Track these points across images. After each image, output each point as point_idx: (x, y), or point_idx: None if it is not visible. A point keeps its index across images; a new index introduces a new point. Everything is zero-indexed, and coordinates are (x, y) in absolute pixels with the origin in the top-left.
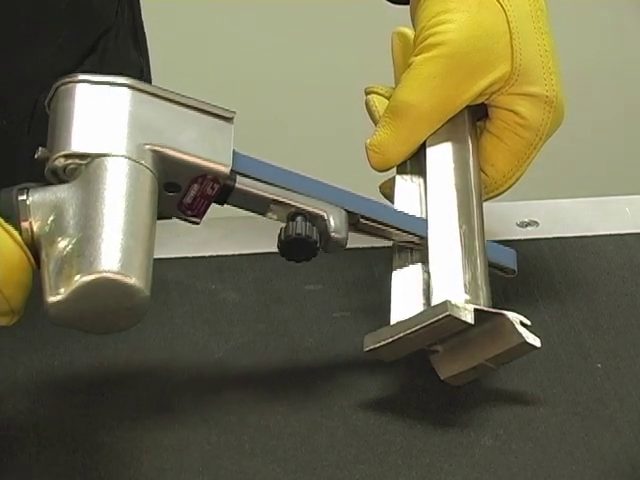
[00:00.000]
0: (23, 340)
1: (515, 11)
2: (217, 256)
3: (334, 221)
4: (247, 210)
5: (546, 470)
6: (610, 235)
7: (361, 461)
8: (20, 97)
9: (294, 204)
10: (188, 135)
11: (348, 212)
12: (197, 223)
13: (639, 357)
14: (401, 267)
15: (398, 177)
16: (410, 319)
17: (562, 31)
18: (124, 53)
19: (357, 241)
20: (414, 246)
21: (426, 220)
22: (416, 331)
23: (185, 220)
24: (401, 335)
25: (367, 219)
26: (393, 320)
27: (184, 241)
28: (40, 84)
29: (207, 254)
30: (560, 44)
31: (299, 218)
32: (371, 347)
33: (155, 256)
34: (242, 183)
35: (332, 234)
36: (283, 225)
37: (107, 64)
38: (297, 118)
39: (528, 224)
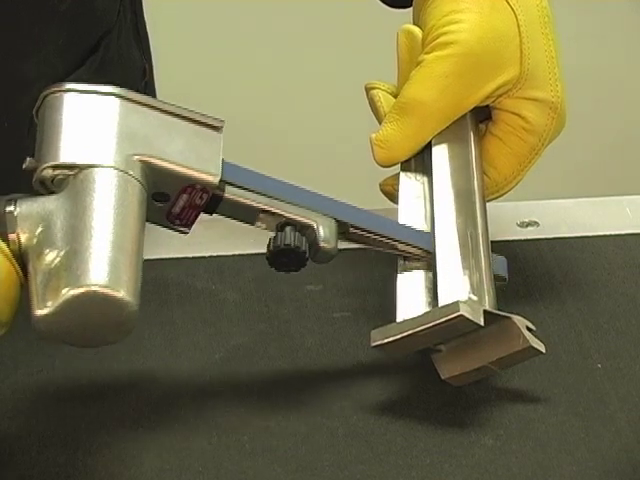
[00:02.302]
0: (23, 340)
1: (525, 15)
2: (217, 256)
3: (323, 231)
4: (236, 220)
5: (546, 470)
6: (610, 235)
7: (361, 461)
8: (21, 98)
9: (283, 214)
10: (177, 145)
11: (338, 222)
12: (186, 233)
13: (639, 357)
14: (406, 266)
15: (402, 174)
16: (420, 317)
17: (562, 31)
18: (126, 53)
19: None
20: (411, 256)
21: (419, 231)
22: (426, 329)
23: (173, 230)
24: (410, 332)
25: (357, 228)
26: (399, 318)
27: (184, 241)
28: (41, 85)
29: (207, 254)
30: (561, 44)
31: (288, 228)
32: (379, 342)
33: (155, 256)
34: (231, 193)
35: (321, 244)
36: (272, 235)
37: (109, 64)
38: (297, 118)
39: (528, 224)
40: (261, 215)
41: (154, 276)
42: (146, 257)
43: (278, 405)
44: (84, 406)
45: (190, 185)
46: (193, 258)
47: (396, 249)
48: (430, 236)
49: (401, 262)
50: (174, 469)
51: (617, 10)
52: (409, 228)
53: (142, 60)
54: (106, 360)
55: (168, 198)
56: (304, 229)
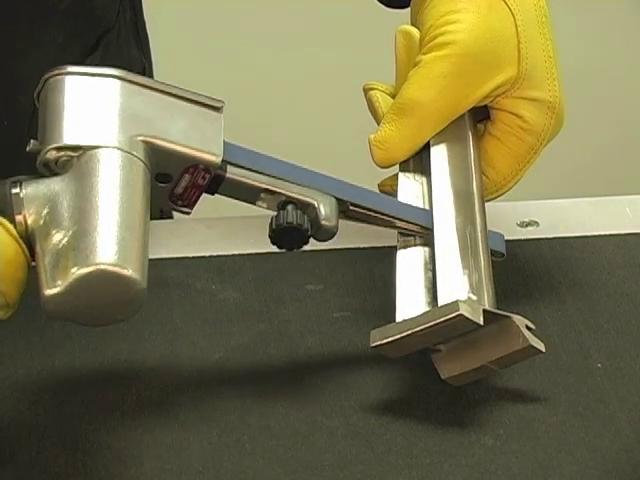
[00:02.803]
0: (23, 340)
1: (523, 15)
2: (217, 256)
3: (324, 209)
4: (237, 199)
5: (546, 470)
6: (610, 235)
7: (361, 461)
8: (21, 97)
9: (284, 193)
10: (179, 125)
11: (337, 200)
12: (188, 213)
13: (639, 357)
14: (405, 265)
15: (401, 175)
16: (419, 317)
17: (562, 31)
18: (126, 52)
19: (357, 241)
20: (410, 232)
21: (417, 207)
22: (425, 329)
23: (176, 210)
24: (409, 333)
25: (356, 206)
26: (399, 318)
27: (184, 241)
28: None
29: (207, 254)
30: (560, 43)
31: (289, 207)
32: (378, 343)
33: (155, 256)
34: (233, 173)
35: (323, 222)
36: (274, 214)
37: (108, 63)
38: (296, 118)
39: (528, 224)
40: (262, 194)
41: (154, 276)
42: None
43: (278, 405)
44: (84, 406)
45: (193, 165)
46: (193, 258)
47: (395, 226)
48: (429, 213)
49: (400, 238)
50: (174, 469)
51: (617, 10)
52: (408, 205)
53: (141, 59)
54: (106, 360)
55: (171, 179)
56: (305, 207)
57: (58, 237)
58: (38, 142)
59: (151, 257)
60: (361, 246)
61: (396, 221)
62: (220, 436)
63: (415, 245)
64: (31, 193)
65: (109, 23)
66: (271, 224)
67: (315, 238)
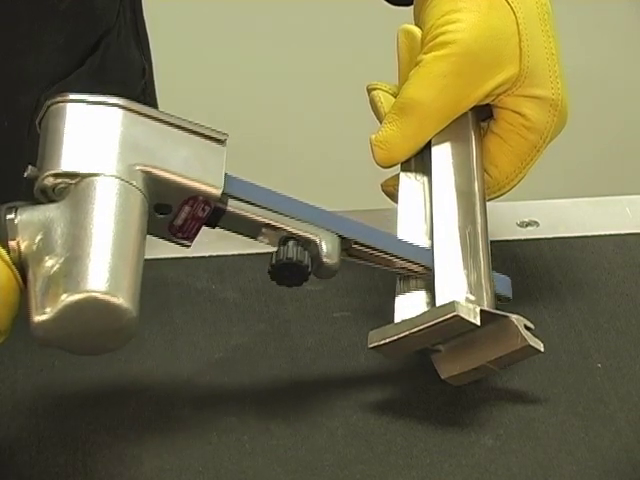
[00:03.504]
0: (23, 340)
1: (524, 13)
2: (217, 256)
3: (326, 246)
4: (239, 233)
5: (546, 470)
6: (610, 235)
7: (361, 461)
8: (21, 97)
9: (286, 228)
10: (180, 156)
11: (341, 237)
12: (188, 246)
13: (639, 357)
14: (406, 286)
15: (402, 175)
16: (416, 318)
17: (562, 31)
18: (126, 52)
19: None
20: (414, 274)
21: (423, 248)
22: (422, 330)
23: (175, 242)
24: (407, 333)
25: (360, 245)
26: (397, 318)
27: None
28: (41, 84)
29: (207, 254)
30: (561, 43)
31: (291, 242)
32: (376, 344)
33: (155, 256)
34: (234, 206)
35: (324, 259)
36: (274, 249)
37: (109, 64)
38: (298, 118)
39: (528, 224)
40: (264, 229)
41: (154, 276)
42: (146, 257)
43: (278, 405)
44: (84, 406)
45: (192, 197)
46: (193, 258)
47: (403, 268)
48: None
49: (399, 283)
50: (174, 469)
51: (617, 10)
52: (418, 247)
53: (142, 59)
54: (106, 360)
55: (170, 210)
56: (307, 244)
57: (50, 263)
58: (36, 168)
59: (151, 257)
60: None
61: (405, 262)
62: (220, 436)
63: (416, 288)
64: (26, 219)
65: (109, 23)
66: (271, 259)
67: (316, 275)
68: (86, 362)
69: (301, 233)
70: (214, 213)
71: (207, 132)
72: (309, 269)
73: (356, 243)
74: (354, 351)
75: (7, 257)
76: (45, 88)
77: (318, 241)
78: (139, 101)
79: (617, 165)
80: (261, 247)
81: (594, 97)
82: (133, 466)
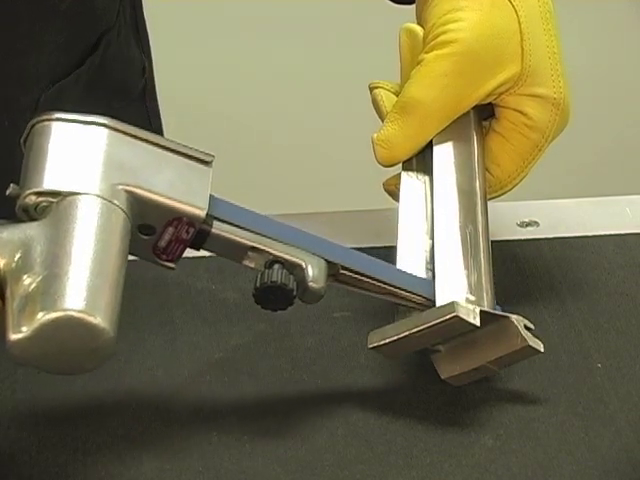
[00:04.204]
0: None
1: (526, 11)
2: (217, 256)
3: (312, 270)
4: (224, 256)
5: (546, 470)
6: (610, 235)
7: (361, 461)
8: (21, 97)
9: (272, 252)
10: (164, 177)
11: (328, 262)
12: (172, 268)
13: (639, 357)
14: (405, 265)
15: (404, 174)
16: (416, 318)
17: (562, 31)
18: (126, 51)
19: (357, 241)
20: (407, 304)
21: (416, 276)
22: (422, 330)
23: (159, 264)
24: (406, 334)
25: (347, 270)
26: (398, 319)
27: None
28: (41, 84)
29: (207, 254)
30: (562, 44)
31: (276, 266)
32: (376, 344)
33: None
34: (219, 228)
35: (310, 284)
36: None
37: (109, 63)
38: (300, 117)
39: (528, 224)
40: (249, 252)
41: (154, 276)
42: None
43: (278, 405)
44: (84, 406)
45: (176, 218)
46: (193, 258)
47: (393, 295)
48: (428, 282)
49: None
50: (174, 469)
51: (617, 10)
52: (408, 274)
53: (142, 58)
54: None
55: (154, 231)
56: (293, 268)
57: (28, 281)
58: (19, 187)
59: None
60: (361, 246)
61: (393, 289)
62: (220, 436)
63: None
64: (6, 237)
65: (109, 23)
66: (255, 282)
67: (301, 299)
68: None
69: (287, 257)
70: (198, 235)
71: (193, 153)
72: (294, 293)
73: (343, 268)
74: (354, 351)
75: None
76: (45, 88)
77: (304, 265)
78: (139, 101)
79: (617, 165)
80: None
81: (594, 97)
82: (133, 466)
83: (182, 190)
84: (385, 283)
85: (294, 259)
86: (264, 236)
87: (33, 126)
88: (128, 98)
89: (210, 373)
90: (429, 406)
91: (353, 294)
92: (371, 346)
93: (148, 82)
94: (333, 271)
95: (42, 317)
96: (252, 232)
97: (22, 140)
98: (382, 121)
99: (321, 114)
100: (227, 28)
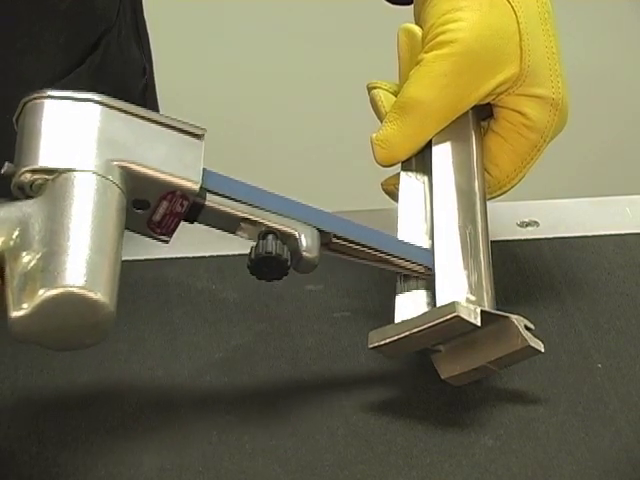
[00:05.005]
0: None
1: (525, 12)
2: (217, 256)
3: (305, 240)
4: (217, 228)
5: (546, 470)
6: (610, 235)
7: (362, 461)
8: (21, 97)
9: (265, 223)
10: (157, 152)
11: (320, 231)
12: (166, 242)
13: (639, 357)
14: (404, 286)
15: (403, 174)
16: (416, 318)
17: (562, 31)
18: (126, 51)
19: None
20: (400, 271)
21: (407, 243)
22: (422, 330)
23: (154, 238)
24: (407, 334)
25: (339, 238)
26: (398, 319)
27: (184, 241)
28: (41, 84)
29: (207, 254)
30: (561, 43)
31: (270, 236)
32: (376, 344)
33: (155, 256)
34: (212, 201)
35: (303, 253)
36: (253, 244)
37: (109, 63)
38: (299, 118)
39: (528, 224)
40: (242, 224)
41: (154, 276)
42: (146, 257)
43: (278, 405)
44: (84, 406)
45: (170, 192)
46: (193, 258)
47: (387, 262)
48: (420, 249)
49: (399, 284)
50: (174, 469)
51: (617, 10)
52: (399, 241)
53: (142, 59)
54: (106, 360)
55: (148, 205)
56: (286, 238)
57: (27, 259)
58: (14, 165)
59: (151, 257)
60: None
61: (385, 256)
62: (220, 436)
63: (417, 287)
64: (3, 216)
65: (110, 22)
66: (250, 254)
67: (295, 269)
68: (86, 362)
69: (280, 227)
70: (192, 208)
71: (185, 127)
72: (288, 263)
73: (335, 237)
74: (354, 351)
75: None
76: (45, 87)
77: (297, 235)
78: (139, 101)
79: (617, 165)
80: None
81: (594, 97)
82: (133, 466)
83: (176, 164)
84: (378, 250)
85: (287, 229)
86: (257, 207)
87: (25, 104)
88: (128, 98)
89: (210, 373)
90: (429, 406)
91: (353, 294)
92: (371, 346)
93: (148, 83)
94: (326, 240)
95: (43, 294)
96: (245, 204)
97: (14, 119)
98: (381, 121)
99: (320, 114)
100: (227, 28)
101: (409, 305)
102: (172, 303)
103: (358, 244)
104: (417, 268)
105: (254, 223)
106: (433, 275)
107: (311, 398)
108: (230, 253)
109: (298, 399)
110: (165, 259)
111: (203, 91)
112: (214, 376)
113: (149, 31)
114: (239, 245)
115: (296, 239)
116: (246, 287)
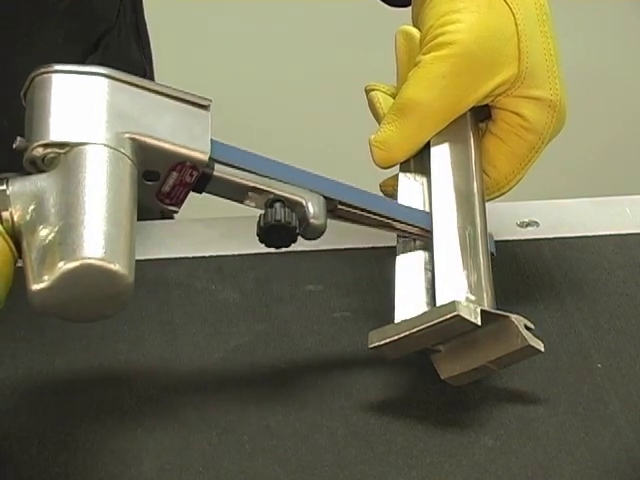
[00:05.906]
0: (23, 340)
1: (523, 14)
2: (217, 256)
3: (313, 207)
4: (225, 198)
5: (546, 470)
6: (610, 235)
7: (361, 461)
8: (21, 97)
9: (272, 191)
10: (166, 123)
11: (326, 198)
12: (175, 212)
13: (639, 357)
14: (404, 265)
15: (401, 175)
16: (416, 318)
17: (561, 31)
18: (126, 52)
19: (357, 241)
20: (403, 234)
21: (410, 207)
22: (423, 330)
23: (163, 209)
24: (407, 333)
25: (345, 205)
26: (397, 319)
27: (184, 241)
28: None
29: (207, 254)
30: (560, 43)
31: (277, 204)
32: (376, 344)
33: (155, 256)
34: (220, 171)
35: (311, 220)
36: (262, 212)
37: (109, 63)
38: (297, 119)
39: (528, 224)
40: (250, 193)
41: (154, 276)
42: (146, 257)
43: (278, 405)
44: (84, 406)
45: (180, 163)
46: (193, 258)
47: (390, 227)
48: (422, 213)
49: (400, 240)
50: (174, 469)
51: (617, 10)
52: (401, 205)
53: (142, 60)
54: (106, 360)
55: (158, 176)
56: (293, 206)
57: (45, 233)
58: (25, 139)
59: (151, 257)
60: (361, 246)
61: (388, 221)
62: (220, 436)
63: (415, 249)
64: (18, 190)
65: (109, 23)
66: (259, 222)
67: (303, 236)
68: (86, 362)
69: (287, 195)
70: (201, 178)
71: (191, 98)
72: (297, 230)
73: (341, 203)
74: (354, 351)
75: (1, 228)
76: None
77: (304, 202)
78: None
79: (617, 165)
80: (261, 248)
81: (594, 97)
82: (133, 466)
83: (185, 135)
84: (382, 216)
85: (294, 197)
86: (264, 176)
87: (33, 79)
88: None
89: (210, 373)
90: (429, 406)
91: (353, 294)
92: (371, 346)
93: None
94: (331, 207)
95: (62, 266)
96: (252, 173)
97: (22, 94)
98: (378, 123)
99: (318, 116)
100: (227, 29)
101: (409, 305)
102: (172, 303)
103: (363, 210)
104: (418, 231)
105: (262, 192)
106: (433, 274)
107: (311, 398)
108: (230, 253)
109: (298, 399)
110: (165, 259)
111: (203, 92)
112: (214, 376)
113: (150, 32)
114: (239, 245)
115: (303, 206)
116: (246, 287)
